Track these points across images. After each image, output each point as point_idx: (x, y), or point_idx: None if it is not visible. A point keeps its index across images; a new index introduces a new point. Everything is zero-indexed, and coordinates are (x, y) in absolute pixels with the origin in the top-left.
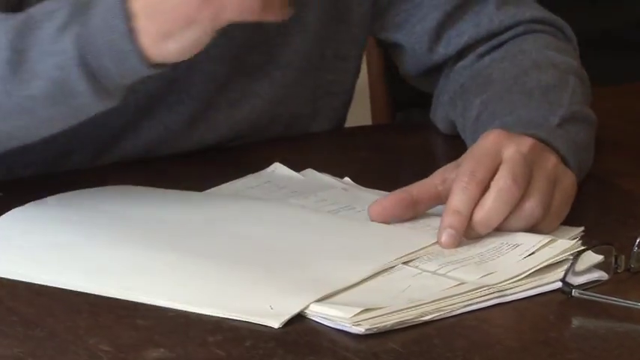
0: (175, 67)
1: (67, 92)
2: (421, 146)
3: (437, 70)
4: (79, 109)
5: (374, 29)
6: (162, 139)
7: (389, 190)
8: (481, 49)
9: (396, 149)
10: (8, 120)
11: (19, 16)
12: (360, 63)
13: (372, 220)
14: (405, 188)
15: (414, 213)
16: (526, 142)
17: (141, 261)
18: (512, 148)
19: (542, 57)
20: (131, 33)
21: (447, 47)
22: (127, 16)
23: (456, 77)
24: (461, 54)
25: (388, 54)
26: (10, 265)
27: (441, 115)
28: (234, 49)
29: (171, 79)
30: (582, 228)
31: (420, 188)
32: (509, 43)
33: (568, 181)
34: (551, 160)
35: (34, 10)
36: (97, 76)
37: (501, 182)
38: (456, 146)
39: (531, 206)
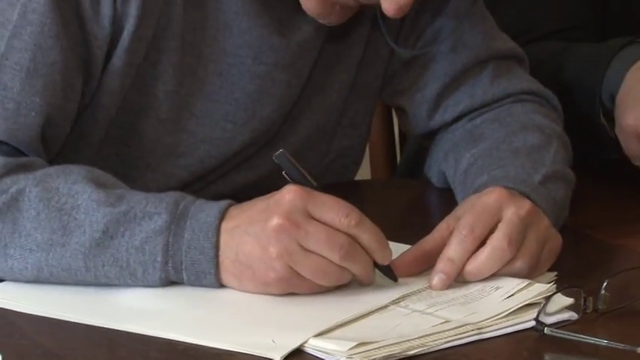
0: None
1: (138, 279)
2: (418, 198)
3: (434, 132)
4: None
5: (381, 95)
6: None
7: (393, 239)
8: (473, 115)
9: (396, 201)
10: (77, 281)
11: (122, 205)
12: (370, 126)
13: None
14: (418, 245)
15: (428, 266)
16: (525, 205)
17: (156, 303)
18: (512, 210)
19: (528, 120)
20: (216, 259)
21: (443, 114)
22: (216, 245)
23: (450, 137)
24: (456, 119)
25: (389, 111)
26: (36, 303)
27: (434, 169)
28: (264, 125)
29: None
30: (556, 273)
31: (431, 244)
32: (502, 107)
33: (555, 243)
34: (543, 223)
35: (136, 204)
36: (171, 277)
37: (497, 242)
38: (446, 198)
39: (520, 266)
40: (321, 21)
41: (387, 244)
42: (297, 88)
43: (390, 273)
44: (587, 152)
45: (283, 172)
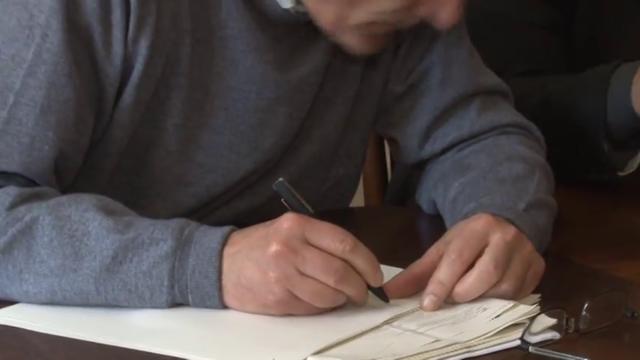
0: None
1: (146, 301)
2: (410, 224)
3: (424, 162)
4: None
5: (375, 127)
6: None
7: (386, 262)
8: (462, 146)
9: (388, 227)
10: (88, 303)
11: (130, 232)
12: (365, 155)
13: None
14: (409, 268)
15: (419, 288)
16: (510, 231)
17: (163, 323)
18: (498, 235)
19: (513, 152)
20: (219, 283)
21: (433, 145)
22: (219, 270)
23: (439, 166)
24: (445, 150)
25: (381, 142)
26: (51, 323)
27: (425, 197)
28: (266, 155)
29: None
30: (539, 295)
31: (422, 267)
32: (488, 139)
33: (539, 266)
34: (528, 248)
35: (143, 230)
36: (177, 300)
37: (484, 265)
38: (436, 224)
39: (506, 288)
40: (365, 53)
41: (379, 268)
42: (298, 120)
43: (382, 294)
44: (577, 172)
45: (282, 200)
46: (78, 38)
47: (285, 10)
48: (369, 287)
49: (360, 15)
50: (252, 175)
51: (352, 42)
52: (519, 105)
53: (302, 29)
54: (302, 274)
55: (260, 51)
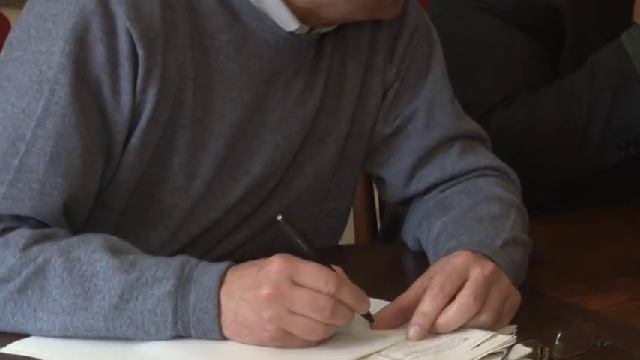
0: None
1: (152, 336)
2: (396, 260)
3: (409, 200)
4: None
5: (364, 165)
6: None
7: (375, 296)
8: (444, 187)
9: (377, 262)
10: (98, 338)
11: (135, 271)
12: (355, 191)
13: (375, 328)
14: (396, 301)
15: (405, 319)
16: (488, 266)
17: (169, 353)
18: (477, 270)
19: (491, 193)
20: (218, 319)
21: (417, 184)
22: (218, 306)
23: (423, 206)
24: (428, 190)
25: (370, 183)
26: (65, 354)
27: (410, 235)
28: (256, 181)
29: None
30: (516, 325)
31: (407, 300)
32: (468, 181)
33: (515, 299)
34: (505, 281)
35: (147, 269)
36: (180, 334)
37: (464, 298)
38: (421, 260)
39: (485, 319)
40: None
41: (365, 297)
42: (287, 151)
43: (368, 315)
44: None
45: (286, 234)
46: (86, 91)
47: (290, 33)
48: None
49: None
50: (244, 203)
51: (390, 10)
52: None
53: (303, 60)
54: (293, 312)
55: (258, 88)
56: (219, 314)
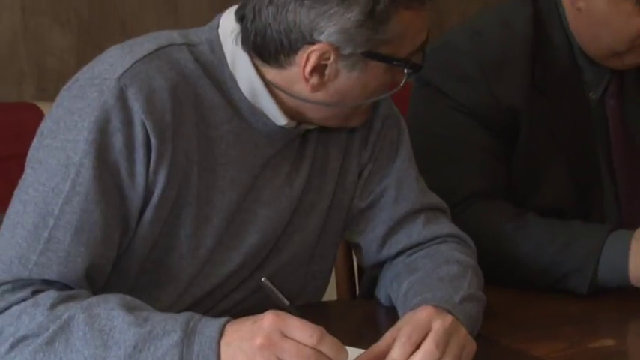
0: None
1: None
2: (371, 314)
3: (382, 263)
4: None
5: (344, 233)
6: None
7: (353, 345)
8: (411, 252)
9: (354, 316)
10: None
11: (147, 325)
12: (336, 255)
13: None
14: (370, 349)
15: None
16: (448, 319)
17: None
18: (439, 322)
19: (450, 256)
20: None
21: (388, 250)
22: (218, 355)
23: (393, 268)
24: (398, 254)
25: (349, 248)
26: None
27: (382, 293)
28: (253, 249)
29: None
30: None
31: (380, 348)
32: (431, 247)
33: (471, 347)
34: (462, 332)
35: (157, 324)
36: None
37: (427, 346)
38: (392, 314)
39: None
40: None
41: (343, 349)
42: (278, 224)
43: None
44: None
45: (268, 294)
46: (107, 173)
47: (281, 127)
48: None
49: (358, 101)
50: (242, 268)
51: (360, 117)
52: (478, 234)
53: (291, 148)
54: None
55: (254, 171)
56: None
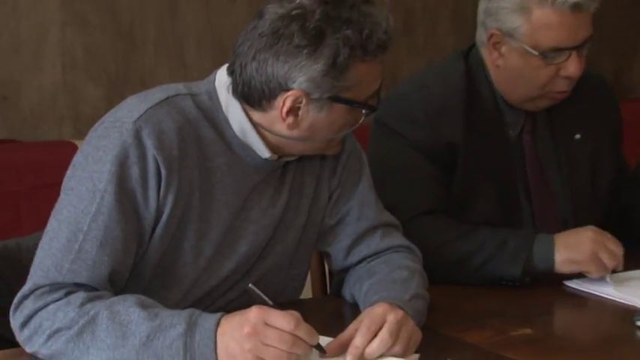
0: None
1: None
2: (339, 309)
3: (347, 268)
4: None
5: (316, 245)
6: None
7: (325, 334)
8: (370, 259)
9: (326, 311)
10: None
11: (157, 320)
12: (310, 262)
13: (324, 357)
14: (338, 338)
15: (344, 350)
16: (400, 313)
17: None
18: (392, 316)
19: (402, 263)
20: (215, 352)
21: (352, 258)
22: (214, 343)
23: (357, 272)
24: (360, 261)
25: (321, 256)
26: None
27: (348, 292)
28: (242, 259)
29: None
30: (419, 354)
31: (346, 337)
32: (386, 255)
33: (418, 335)
34: (411, 323)
35: (165, 318)
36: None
37: (383, 335)
38: (355, 310)
39: (397, 350)
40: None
41: (315, 333)
42: (263, 237)
43: (321, 349)
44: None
45: (253, 296)
46: (126, 197)
47: (265, 159)
48: (314, 347)
49: (327, 136)
50: (235, 273)
51: (332, 149)
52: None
53: (274, 176)
54: (265, 345)
55: (243, 194)
56: (215, 348)
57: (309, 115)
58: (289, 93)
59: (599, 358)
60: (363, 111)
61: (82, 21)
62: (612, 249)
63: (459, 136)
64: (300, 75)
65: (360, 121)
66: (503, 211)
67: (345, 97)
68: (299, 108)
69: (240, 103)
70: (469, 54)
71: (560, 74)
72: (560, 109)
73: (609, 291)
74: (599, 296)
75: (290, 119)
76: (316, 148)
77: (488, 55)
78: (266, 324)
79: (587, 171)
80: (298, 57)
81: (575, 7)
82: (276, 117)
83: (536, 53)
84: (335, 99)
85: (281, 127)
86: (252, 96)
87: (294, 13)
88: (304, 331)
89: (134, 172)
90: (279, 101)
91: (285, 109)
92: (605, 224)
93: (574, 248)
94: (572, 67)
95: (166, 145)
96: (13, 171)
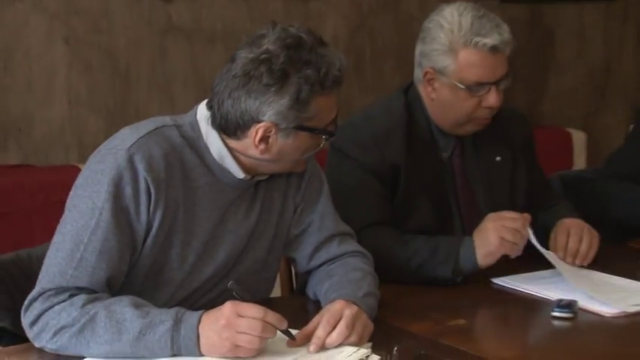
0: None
1: (159, 355)
2: (304, 306)
3: (310, 271)
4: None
5: (283, 251)
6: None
7: (292, 327)
8: (330, 263)
9: (293, 307)
10: (124, 357)
11: (148, 317)
12: (279, 265)
13: (291, 345)
14: (303, 330)
15: (308, 340)
16: (355, 308)
17: None
18: (349, 311)
19: (356, 266)
20: (197, 344)
21: (314, 262)
22: (197, 336)
23: (318, 274)
24: (321, 265)
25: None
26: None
27: (311, 291)
28: (220, 263)
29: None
30: (371, 343)
31: (309, 329)
32: (343, 259)
33: (370, 327)
34: (364, 317)
35: (155, 316)
36: (176, 354)
37: (341, 327)
38: (317, 305)
39: (353, 339)
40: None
41: (283, 319)
42: (238, 246)
43: (289, 334)
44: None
45: (233, 293)
46: (120, 213)
47: (240, 179)
48: (282, 331)
49: (294, 158)
50: (214, 277)
51: (298, 167)
52: (378, 247)
53: (247, 194)
54: (240, 332)
55: (221, 209)
56: (198, 341)
57: (278, 142)
58: (260, 124)
59: (521, 343)
60: (323, 136)
61: (85, 64)
62: (512, 226)
63: (401, 159)
64: (270, 109)
65: (322, 144)
66: (438, 221)
67: (308, 126)
68: (269, 137)
69: (218, 132)
70: (409, 90)
71: (482, 105)
72: (484, 135)
73: (529, 287)
74: (521, 291)
75: (262, 146)
76: (284, 168)
77: (423, 90)
78: (239, 315)
79: (506, 187)
80: (267, 94)
81: (493, 49)
82: (249, 144)
83: (462, 87)
84: (299, 128)
85: (254, 152)
86: (229, 127)
87: (261, 57)
88: (273, 317)
89: (127, 191)
90: (252, 131)
91: (257, 138)
92: None
93: (484, 242)
94: (492, 98)
95: (155, 169)
96: (27, 191)
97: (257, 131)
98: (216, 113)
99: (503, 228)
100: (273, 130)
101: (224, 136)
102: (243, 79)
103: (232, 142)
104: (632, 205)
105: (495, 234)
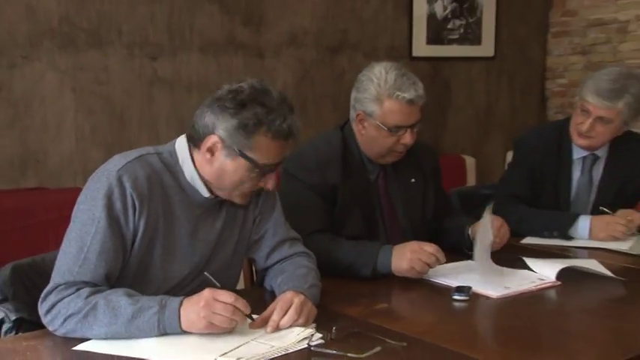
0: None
1: (147, 334)
2: (263, 296)
3: (267, 268)
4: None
5: (245, 253)
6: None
7: (254, 313)
8: (282, 262)
9: (255, 297)
10: (122, 337)
11: (139, 304)
12: (242, 264)
13: (253, 327)
14: (262, 315)
15: (266, 323)
16: (302, 297)
17: (158, 342)
18: (297, 299)
19: (303, 263)
20: (179, 323)
21: (270, 261)
22: (179, 317)
23: (273, 271)
24: (275, 263)
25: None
26: (109, 348)
27: (268, 284)
28: (195, 262)
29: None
30: (315, 324)
31: (267, 313)
32: (292, 259)
33: (314, 311)
34: (309, 304)
35: (144, 303)
36: (162, 332)
37: (291, 312)
38: (273, 296)
39: (301, 322)
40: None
41: (247, 305)
42: (208, 250)
43: (251, 317)
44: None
45: (208, 278)
46: (113, 222)
47: (205, 197)
48: (246, 315)
49: (232, 183)
50: (190, 274)
51: (237, 199)
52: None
53: (213, 209)
54: (215, 313)
55: (193, 221)
56: (179, 320)
57: (221, 157)
58: (212, 136)
59: (430, 320)
60: (256, 170)
61: (89, 109)
62: (425, 260)
63: (338, 180)
64: (221, 126)
65: (258, 184)
66: (367, 229)
67: (247, 155)
68: (215, 150)
69: (190, 149)
70: (344, 127)
71: (400, 142)
72: (402, 163)
73: (435, 278)
74: (429, 280)
75: (208, 155)
76: (229, 195)
77: (356, 127)
78: (215, 299)
79: (419, 202)
80: (224, 114)
81: (410, 102)
82: (203, 154)
83: (385, 128)
84: (240, 153)
85: (204, 163)
86: (193, 137)
87: (234, 89)
88: (241, 303)
89: (118, 205)
90: (205, 141)
91: (206, 147)
92: (430, 237)
93: (399, 261)
94: (408, 138)
95: (139, 187)
96: (43, 208)
97: (207, 140)
98: (192, 129)
99: (418, 261)
100: (220, 145)
101: (193, 150)
102: (215, 101)
103: (196, 155)
104: (520, 223)
105: (409, 263)
